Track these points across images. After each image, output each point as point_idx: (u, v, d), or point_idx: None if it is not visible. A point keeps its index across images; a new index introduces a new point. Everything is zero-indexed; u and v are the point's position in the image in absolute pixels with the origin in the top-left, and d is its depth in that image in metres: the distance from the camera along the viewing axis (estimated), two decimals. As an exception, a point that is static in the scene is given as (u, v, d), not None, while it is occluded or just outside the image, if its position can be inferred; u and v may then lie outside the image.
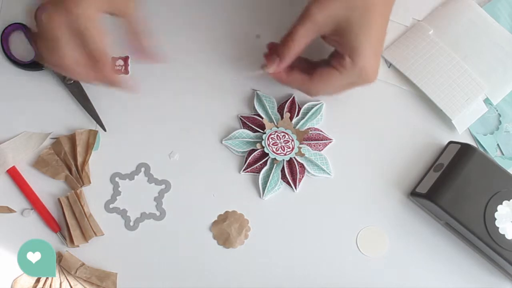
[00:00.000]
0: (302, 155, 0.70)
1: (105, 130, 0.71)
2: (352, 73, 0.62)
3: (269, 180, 0.70)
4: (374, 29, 0.61)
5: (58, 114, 0.71)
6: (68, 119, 0.71)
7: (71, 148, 0.70)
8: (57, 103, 0.71)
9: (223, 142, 0.71)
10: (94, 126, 0.71)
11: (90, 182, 0.70)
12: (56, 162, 0.70)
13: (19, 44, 0.72)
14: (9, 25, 0.71)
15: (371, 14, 0.61)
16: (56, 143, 0.70)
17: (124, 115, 0.71)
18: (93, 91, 0.71)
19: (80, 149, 0.70)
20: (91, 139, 0.70)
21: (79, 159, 0.69)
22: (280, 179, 0.71)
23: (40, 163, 0.70)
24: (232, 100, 0.72)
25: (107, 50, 0.59)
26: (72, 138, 0.70)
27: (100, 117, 0.71)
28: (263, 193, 0.70)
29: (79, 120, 0.71)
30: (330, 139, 0.71)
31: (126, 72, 0.72)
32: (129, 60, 0.72)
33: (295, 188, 0.70)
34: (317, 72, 0.64)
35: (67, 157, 0.70)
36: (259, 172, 0.70)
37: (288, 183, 0.71)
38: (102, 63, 0.60)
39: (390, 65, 0.73)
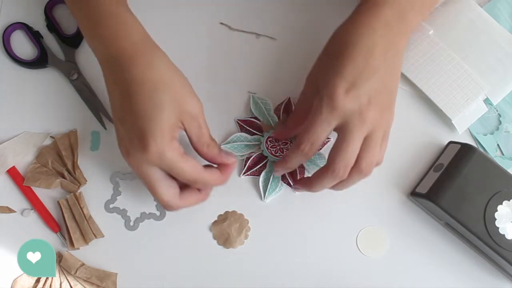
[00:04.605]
0: (301, 155, 0.70)
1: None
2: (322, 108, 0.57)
3: (270, 182, 0.70)
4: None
5: (61, 112, 0.71)
6: (70, 117, 0.71)
7: (56, 156, 0.70)
8: (61, 100, 0.72)
9: (221, 146, 0.70)
10: (96, 123, 0.71)
11: (86, 181, 0.70)
12: (46, 172, 0.70)
13: (21, 43, 0.72)
14: (11, 25, 0.72)
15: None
16: (40, 155, 0.70)
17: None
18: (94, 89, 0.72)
19: (66, 153, 0.69)
20: (72, 139, 0.70)
21: (68, 163, 0.69)
22: (280, 181, 0.70)
23: (30, 180, 0.69)
24: (228, 103, 0.72)
25: (200, 170, 0.60)
26: (54, 147, 0.70)
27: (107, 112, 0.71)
28: (264, 196, 0.70)
29: (82, 117, 0.71)
30: (328, 138, 0.71)
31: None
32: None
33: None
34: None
35: (56, 165, 0.69)
36: (259, 175, 0.70)
37: (288, 184, 0.70)
38: (204, 184, 0.62)
39: (390, 65, 0.73)
